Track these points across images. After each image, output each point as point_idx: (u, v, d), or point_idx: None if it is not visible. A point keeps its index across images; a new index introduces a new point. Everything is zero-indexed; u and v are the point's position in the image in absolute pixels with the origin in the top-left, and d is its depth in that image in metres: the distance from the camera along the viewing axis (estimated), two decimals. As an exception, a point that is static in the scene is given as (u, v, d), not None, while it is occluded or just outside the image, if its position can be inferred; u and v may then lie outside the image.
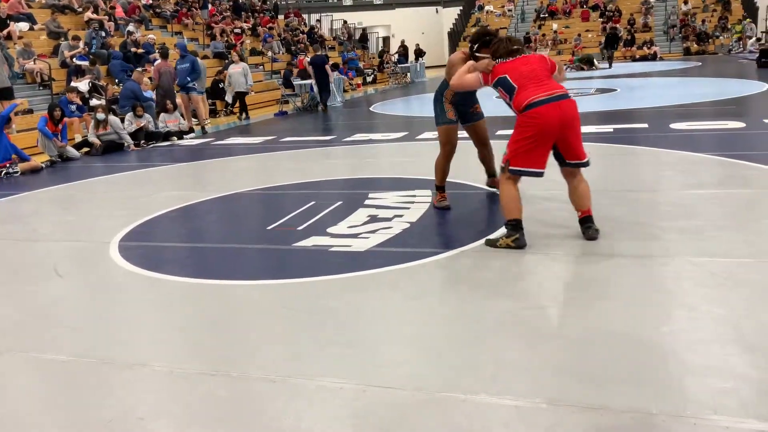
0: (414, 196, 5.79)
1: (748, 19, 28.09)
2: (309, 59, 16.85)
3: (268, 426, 2.36)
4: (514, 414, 2.32)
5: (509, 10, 34.47)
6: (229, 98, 15.44)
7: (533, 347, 2.82)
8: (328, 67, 15.62)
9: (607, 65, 24.19)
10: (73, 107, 11.69)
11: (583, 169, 4.24)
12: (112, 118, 10.74)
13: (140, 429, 2.41)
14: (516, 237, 4.09)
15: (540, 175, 4.11)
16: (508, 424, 2.26)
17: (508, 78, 4.13)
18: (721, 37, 28.10)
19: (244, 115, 14.73)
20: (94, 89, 12.80)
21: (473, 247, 4.25)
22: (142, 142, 11.02)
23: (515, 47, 4.26)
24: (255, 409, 2.49)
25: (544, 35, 31.10)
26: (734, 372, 2.48)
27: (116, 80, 13.88)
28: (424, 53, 27.65)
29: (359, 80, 23.45)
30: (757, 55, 19.28)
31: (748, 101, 11.46)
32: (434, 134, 10.45)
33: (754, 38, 26.09)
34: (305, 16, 28.51)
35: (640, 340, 2.80)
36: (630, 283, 3.46)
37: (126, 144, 10.70)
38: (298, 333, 3.17)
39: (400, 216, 5.14)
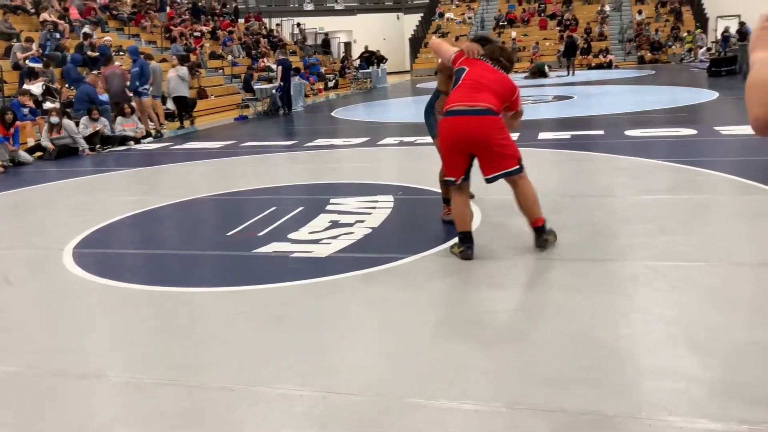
0: (376, 201, 5.79)
1: (699, 30, 28.98)
2: (277, 60, 16.88)
3: (227, 435, 2.33)
4: (473, 418, 2.33)
5: (469, 18, 34.87)
6: (170, 104, 14.08)
7: (492, 351, 2.85)
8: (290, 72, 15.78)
9: (565, 73, 24.65)
10: (26, 110, 11.35)
11: (529, 175, 4.08)
12: (67, 122, 10.47)
13: (94, 441, 2.35)
14: (462, 249, 4.05)
15: (453, 183, 4.05)
16: (467, 429, 2.28)
17: (463, 72, 4.02)
18: (673, 47, 28.93)
19: (187, 123, 13.82)
20: (48, 92, 12.47)
21: (435, 252, 4.27)
22: (98, 146, 10.77)
23: (498, 57, 4.10)
24: (214, 418, 2.45)
25: (503, 43, 31.51)
26: (686, 373, 2.55)
27: (67, 83, 13.54)
28: (386, 59, 27.75)
29: (321, 85, 23.40)
30: (708, 64, 19.92)
31: (699, 109, 11.82)
32: (396, 139, 10.58)
33: (705, 48, 26.93)
34: (266, 20, 28.30)
35: (597, 342, 2.85)
36: (587, 287, 3.52)
37: (81, 148, 10.44)
38: (258, 340, 3.13)
39: (362, 221, 5.14)
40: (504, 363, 2.74)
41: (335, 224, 5.10)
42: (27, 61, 13.06)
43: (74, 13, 17.22)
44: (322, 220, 5.24)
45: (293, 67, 17.26)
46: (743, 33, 22.97)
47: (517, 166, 3.96)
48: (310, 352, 2.95)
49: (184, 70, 13.66)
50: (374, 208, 5.57)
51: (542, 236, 4.07)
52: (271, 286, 3.84)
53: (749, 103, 1.30)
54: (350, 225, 5.05)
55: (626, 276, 3.68)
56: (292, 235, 4.87)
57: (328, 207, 5.68)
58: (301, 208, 5.68)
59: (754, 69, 1.33)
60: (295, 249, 4.53)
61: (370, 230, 4.90)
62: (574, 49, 25.12)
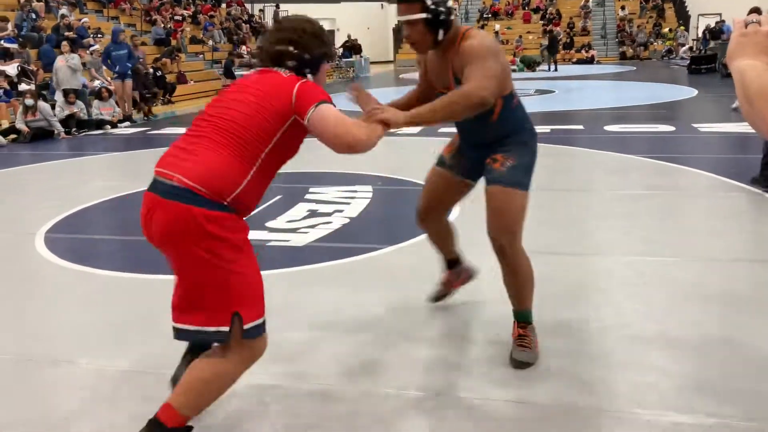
0: (355, 191, 5.77)
1: (682, 27, 29.23)
2: None
3: (200, 426, 2.31)
4: (445, 409, 2.34)
5: (453, 9, 34.83)
6: (58, 97, 11.18)
7: (465, 343, 2.86)
8: None
9: (547, 68, 24.70)
10: (0, 92, 11.14)
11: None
12: (42, 105, 10.28)
13: (62, 429, 2.31)
14: None
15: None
16: (443, 418, 2.28)
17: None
18: (655, 43, 29.15)
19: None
20: (23, 74, 12.23)
21: (412, 243, 4.27)
22: (74, 129, 10.60)
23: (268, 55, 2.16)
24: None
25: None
26: (656, 367, 2.58)
27: (44, 65, 13.29)
28: (360, 49, 27.61)
29: (302, 73, 23.21)
30: (689, 61, 20.12)
31: (678, 106, 11.94)
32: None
33: (686, 46, 27.17)
34: (248, 5, 28.00)
35: (569, 335, 2.87)
36: (562, 280, 3.55)
37: (56, 131, 10.27)
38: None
39: (341, 211, 5.12)
40: (476, 355, 2.75)
41: (313, 213, 5.08)
42: (2, 42, 12.79)
43: (52, -7, 16.86)
44: (300, 209, 5.21)
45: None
46: (714, 31, 23.22)
47: None
48: (284, 341, 2.93)
49: (76, 59, 11.42)
50: (353, 198, 5.55)
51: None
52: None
53: (763, 113, 1.26)
54: (329, 215, 5.03)
55: (600, 271, 3.71)
56: (269, 224, 4.83)
57: (307, 196, 5.65)
58: (279, 197, 5.64)
59: (750, 77, 1.29)
60: (273, 238, 4.50)
61: (348, 220, 4.89)
62: (555, 44, 25.19)
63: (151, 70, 14.34)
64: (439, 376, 2.58)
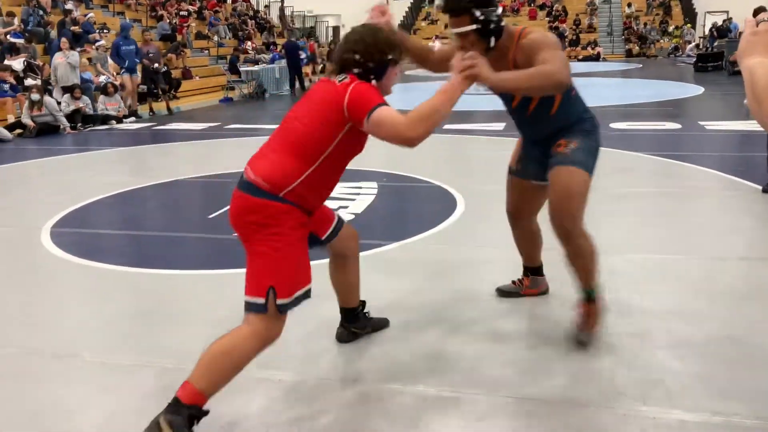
0: (360, 188, 5.77)
1: (689, 25, 29.10)
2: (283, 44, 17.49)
3: (204, 420, 2.31)
4: (451, 405, 2.33)
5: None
6: (58, 96, 10.95)
7: (471, 340, 2.85)
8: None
9: None
10: (6, 86, 11.16)
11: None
12: (48, 99, 10.31)
13: (68, 422, 2.32)
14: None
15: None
16: (446, 412, 2.28)
17: None
18: (661, 41, 29.03)
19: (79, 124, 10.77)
20: (30, 68, 12.25)
21: (417, 239, 4.27)
22: (79, 124, 10.62)
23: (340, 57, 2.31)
24: (189, 401, 2.43)
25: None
26: (661, 364, 2.57)
27: (52, 60, 13.31)
28: None
29: (308, 69, 23.20)
30: (695, 59, 20.03)
31: (685, 104, 11.88)
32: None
33: (693, 44, 27.05)
34: (253, 1, 27.96)
35: (574, 332, 2.86)
36: (568, 277, 3.53)
37: (62, 126, 10.29)
38: (238, 324, 3.11)
39: (346, 207, 5.11)
40: (483, 352, 2.74)
41: (318, 209, 5.07)
42: (8, 36, 12.81)
43: (58, -12, 16.87)
44: (305, 205, 5.20)
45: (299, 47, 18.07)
46: (721, 29, 23.08)
47: None
48: (288, 337, 2.92)
49: (75, 56, 11.29)
50: (358, 194, 5.54)
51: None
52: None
53: None
54: (333, 210, 5.01)
55: (606, 268, 3.69)
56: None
57: (312, 192, 5.64)
58: (284, 192, 5.64)
59: (759, 75, 1.28)
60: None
61: (354, 216, 4.88)
62: (563, 41, 25.10)
63: (164, 67, 14.35)
64: (442, 370, 2.58)
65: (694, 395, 2.34)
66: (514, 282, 3.28)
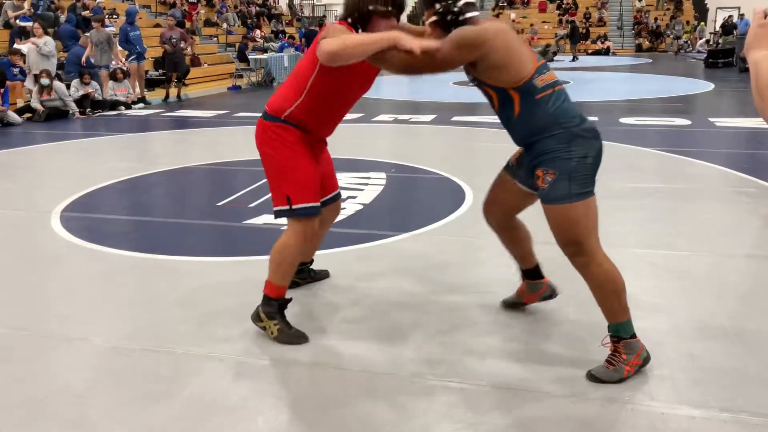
0: (368, 178, 5.77)
1: (702, 23, 28.89)
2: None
3: (210, 406, 2.33)
4: (459, 396, 2.35)
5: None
6: (30, 84, 10.61)
7: (478, 333, 2.86)
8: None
9: (563, 58, 24.48)
10: (16, 70, 11.16)
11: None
12: (57, 84, 10.32)
13: (77, 407, 2.34)
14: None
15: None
16: (454, 405, 2.29)
17: None
18: (671, 36, 28.84)
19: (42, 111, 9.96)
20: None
21: (425, 231, 4.27)
22: (88, 110, 10.64)
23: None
24: (198, 387, 2.45)
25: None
26: (669, 359, 2.57)
27: (63, 45, 13.33)
28: None
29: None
30: (705, 55, 19.90)
31: (694, 100, 11.82)
32: (390, 116, 10.53)
33: (704, 39, 26.86)
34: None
35: (582, 327, 2.87)
36: (575, 272, 3.53)
37: (71, 111, 10.31)
38: (246, 311, 3.13)
39: (354, 198, 5.12)
40: (488, 343, 2.75)
41: (326, 199, 5.08)
42: (18, 20, 12.82)
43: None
44: (313, 194, 5.21)
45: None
46: (726, 26, 22.88)
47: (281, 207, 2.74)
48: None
49: (50, 44, 10.77)
50: (366, 184, 5.55)
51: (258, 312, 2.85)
52: (260, 258, 3.82)
53: None
54: (342, 200, 5.02)
55: (614, 262, 3.69)
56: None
57: (320, 181, 5.65)
58: (292, 181, 5.65)
59: (764, 68, 1.26)
60: (286, 222, 4.50)
61: (362, 206, 4.89)
62: (577, 33, 24.79)
63: (187, 47, 14.29)
64: (452, 364, 2.59)
65: (702, 391, 2.35)
66: (515, 294, 3.07)
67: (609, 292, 2.42)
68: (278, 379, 2.51)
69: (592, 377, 2.43)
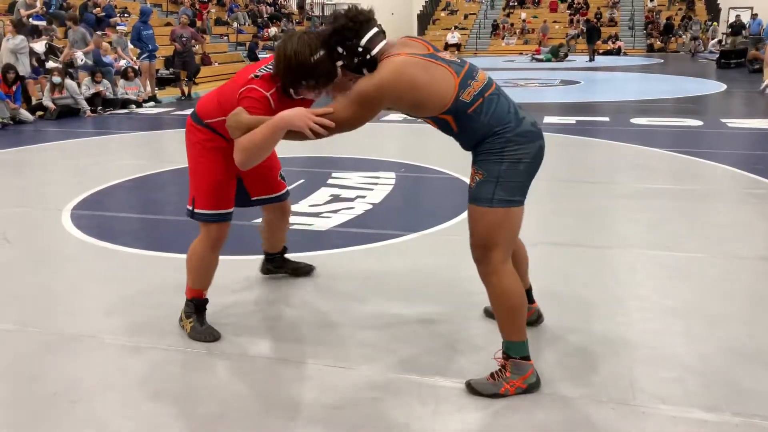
0: (378, 177, 5.76)
1: (715, 23, 28.69)
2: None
3: (223, 402, 2.33)
4: (466, 399, 2.33)
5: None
6: None
7: (489, 333, 2.85)
8: None
9: (578, 57, 24.29)
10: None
11: None
12: (69, 82, 10.38)
13: (86, 403, 2.35)
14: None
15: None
16: (462, 407, 2.28)
17: None
18: (683, 36, 28.65)
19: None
20: (51, 51, 12.35)
21: (435, 231, 4.26)
22: (99, 108, 10.70)
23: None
24: (208, 384, 2.45)
25: (512, 24, 31.24)
26: (680, 362, 2.55)
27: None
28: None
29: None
30: (717, 56, 19.75)
31: (706, 100, 11.73)
32: (400, 116, 10.50)
33: (715, 40, 26.66)
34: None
35: (593, 329, 2.85)
36: (585, 273, 3.52)
37: (82, 109, 10.38)
38: (254, 309, 3.13)
39: (363, 197, 5.12)
40: (498, 345, 2.73)
41: (336, 198, 5.08)
42: (30, 19, 12.91)
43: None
44: (323, 194, 5.21)
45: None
46: (734, 26, 22.68)
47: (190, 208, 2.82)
48: (303, 324, 2.94)
49: (22, 43, 10.48)
50: (376, 184, 5.54)
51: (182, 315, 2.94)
52: (269, 256, 3.83)
53: None
54: (351, 200, 5.03)
55: (624, 264, 3.67)
56: (292, 208, 4.83)
57: (329, 181, 5.65)
58: (301, 181, 5.65)
59: None
60: (295, 221, 4.50)
61: (371, 206, 4.88)
62: (593, 33, 24.45)
63: (198, 44, 14.29)
64: (461, 365, 2.57)
65: (713, 395, 2.32)
66: None
67: (504, 308, 2.34)
68: (290, 379, 2.51)
69: (469, 387, 2.37)
